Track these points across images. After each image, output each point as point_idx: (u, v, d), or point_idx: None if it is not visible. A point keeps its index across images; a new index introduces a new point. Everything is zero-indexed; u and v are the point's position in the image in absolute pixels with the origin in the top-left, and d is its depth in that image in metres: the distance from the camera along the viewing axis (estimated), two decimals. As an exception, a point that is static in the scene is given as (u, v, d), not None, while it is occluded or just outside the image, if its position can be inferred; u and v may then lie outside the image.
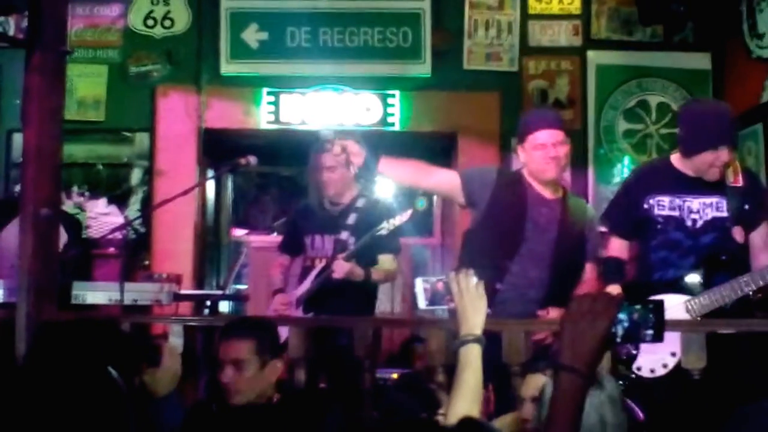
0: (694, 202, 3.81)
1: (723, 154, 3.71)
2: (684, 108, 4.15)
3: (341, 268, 4.59)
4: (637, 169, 4.35)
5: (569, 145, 4.00)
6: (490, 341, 2.50)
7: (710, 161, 3.73)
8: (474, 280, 2.50)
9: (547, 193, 3.96)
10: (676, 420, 3.36)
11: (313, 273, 4.77)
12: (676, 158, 3.94)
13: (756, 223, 3.81)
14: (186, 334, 3.58)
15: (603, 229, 4.21)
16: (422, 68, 6.78)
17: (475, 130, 6.73)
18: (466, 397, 2.31)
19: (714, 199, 3.80)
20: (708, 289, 3.67)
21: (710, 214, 3.79)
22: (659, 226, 3.85)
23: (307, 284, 4.79)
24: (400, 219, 4.58)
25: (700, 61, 6.85)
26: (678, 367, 3.35)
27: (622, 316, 1.78)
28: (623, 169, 6.78)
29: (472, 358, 2.39)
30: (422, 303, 5.72)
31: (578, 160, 6.72)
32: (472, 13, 6.84)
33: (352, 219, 4.79)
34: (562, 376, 1.74)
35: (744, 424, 1.46)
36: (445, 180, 4.12)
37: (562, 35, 6.86)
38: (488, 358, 2.46)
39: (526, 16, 6.86)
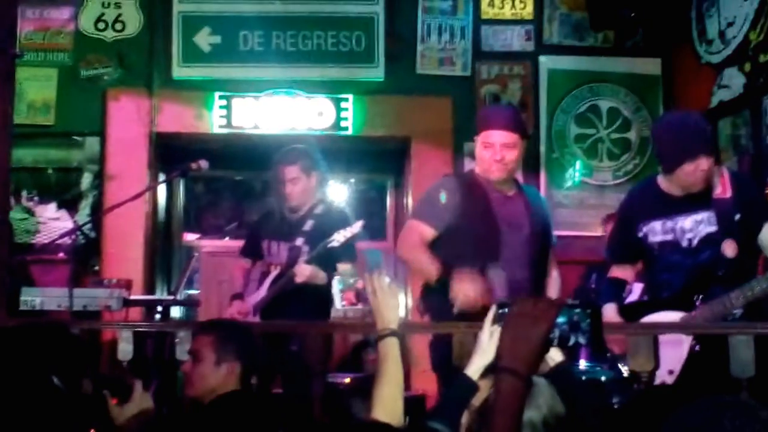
0: (686, 221, 3.75)
1: (702, 163, 3.64)
2: (655, 125, 4.16)
3: (303, 271, 4.61)
4: (627, 195, 4.29)
5: (521, 149, 3.93)
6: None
7: (691, 172, 3.65)
8: (387, 279, 2.67)
9: (506, 190, 3.96)
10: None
11: (268, 280, 4.78)
12: (661, 180, 3.88)
13: (756, 227, 3.71)
14: (136, 339, 3.55)
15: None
16: (375, 72, 6.79)
17: (428, 135, 6.74)
18: (390, 386, 2.45)
19: (705, 215, 3.72)
20: (701, 307, 3.64)
21: (704, 230, 3.72)
22: (656, 253, 3.83)
23: (263, 292, 4.79)
24: (351, 231, 4.61)
25: (651, 66, 6.94)
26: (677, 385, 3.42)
27: (561, 320, 1.80)
28: (575, 173, 6.85)
29: (390, 349, 2.54)
30: (338, 303, 5.70)
31: (530, 164, 6.77)
32: (425, 17, 6.86)
33: (308, 226, 4.82)
34: (502, 377, 1.76)
35: (686, 420, 1.48)
36: (426, 238, 3.89)
37: (515, 40, 6.90)
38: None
39: (478, 21, 6.89)
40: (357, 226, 4.63)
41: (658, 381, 3.55)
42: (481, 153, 3.90)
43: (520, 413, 1.74)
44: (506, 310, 2.40)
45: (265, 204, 5.20)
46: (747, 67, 5.69)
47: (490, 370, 2.12)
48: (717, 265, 3.68)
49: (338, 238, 4.58)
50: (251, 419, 3.07)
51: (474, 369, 2.42)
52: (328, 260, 4.71)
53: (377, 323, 2.60)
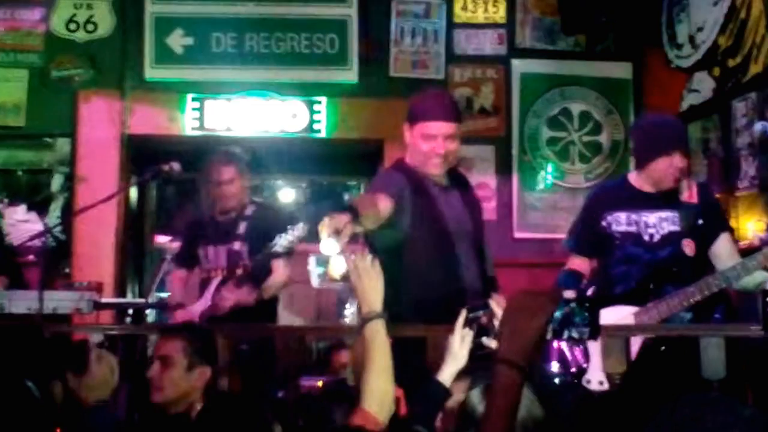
0: (651, 217, 3.84)
1: (676, 159, 3.77)
2: (635, 123, 4.21)
3: (225, 302, 4.55)
4: (594, 188, 4.36)
5: (459, 142, 3.67)
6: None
7: (664, 168, 3.78)
8: (369, 258, 2.54)
9: (442, 181, 3.68)
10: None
11: (212, 287, 4.72)
12: (632, 176, 3.99)
13: (713, 236, 3.84)
14: (107, 344, 3.53)
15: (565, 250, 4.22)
16: (349, 75, 6.79)
17: (401, 137, 6.70)
18: (380, 373, 2.35)
19: (669, 214, 3.83)
20: (657, 300, 3.71)
21: (666, 228, 3.83)
22: (617, 242, 3.88)
23: (206, 300, 4.74)
24: (294, 235, 4.43)
25: (622, 70, 7.00)
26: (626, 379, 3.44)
27: (558, 313, 1.82)
28: (547, 176, 6.89)
29: (377, 333, 2.42)
30: (315, 281, 5.64)
31: (503, 167, 6.83)
32: (398, 21, 6.88)
33: (243, 228, 4.78)
34: (500, 369, 1.78)
35: (669, 417, 1.50)
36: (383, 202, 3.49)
37: (487, 44, 6.93)
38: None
39: (451, 24, 6.92)
40: (299, 229, 4.43)
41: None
42: (419, 145, 3.58)
43: (517, 405, 1.76)
44: (478, 313, 2.41)
45: (194, 209, 5.13)
46: (716, 71, 5.76)
47: (465, 373, 2.12)
48: (675, 262, 3.77)
49: (282, 242, 4.41)
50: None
51: (446, 374, 2.43)
52: (267, 264, 4.66)
53: (362, 306, 2.50)
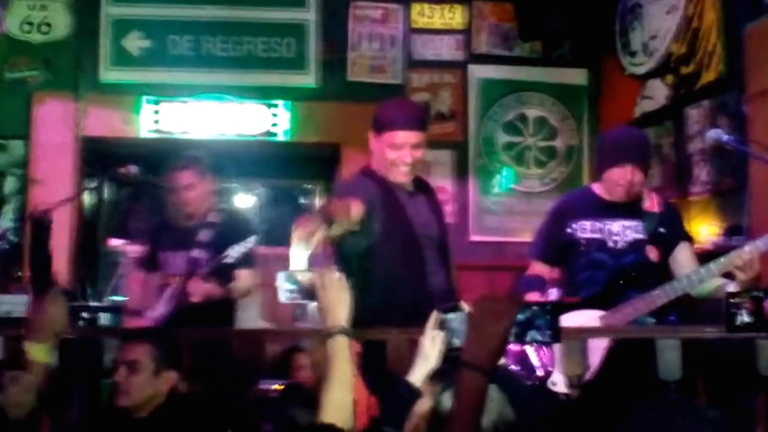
0: (615, 225, 3.91)
1: (628, 172, 3.82)
2: (602, 134, 4.27)
3: (198, 289, 4.53)
4: (562, 196, 4.40)
5: (424, 149, 3.65)
6: None
7: (615, 178, 3.84)
8: (337, 274, 2.55)
9: (409, 187, 3.68)
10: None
11: (167, 293, 4.69)
12: (596, 186, 4.06)
13: (673, 245, 3.92)
14: (61, 347, 3.48)
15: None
16: (307, 79, 6.80)
17: (359, 141, 6.71)
18: (340, 387, 2.35)
19: (633, 222, 3.90)
20: (622, 304, 3.75)
21: (630, 235, 3.89)
22: (582, 248, 3.93)
23: (162, 306, 4.70)
24: (246, 246, 4.46)
25: (577, 76, 7.09)
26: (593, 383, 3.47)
27: (521, 317, 1.85)
28: (503, 180, 6.95)
29: (340, 348, 2.42)
30: (283, 297, 5.60)
31: (460, 171, 6.88)
32: (356, 25, 6.90)
33: (205, 235, 4.72)
34: (464, 373, 1.80)
35: (635, 421, 1.52)
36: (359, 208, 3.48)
37: (445, 49, 6.98)
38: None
39: (409, 30, 6.95)
40: (250, 241, 4.48)
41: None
42: (386, 154, 3.56)
43: (481, 409, 1.77)
44: (448, 315, 2.42)
45: (157, 214, 5.09)
46: (670, 79, 5.85)
47: (437, 375, 2.13)
48: (639, 268, 3.84)
49: (232, 254, 4.45)
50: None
51: (417, 376, 2.44)
52: (225, 271, 4.63)
53: (327, 320, 2.49)
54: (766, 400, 3.83)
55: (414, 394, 2.20)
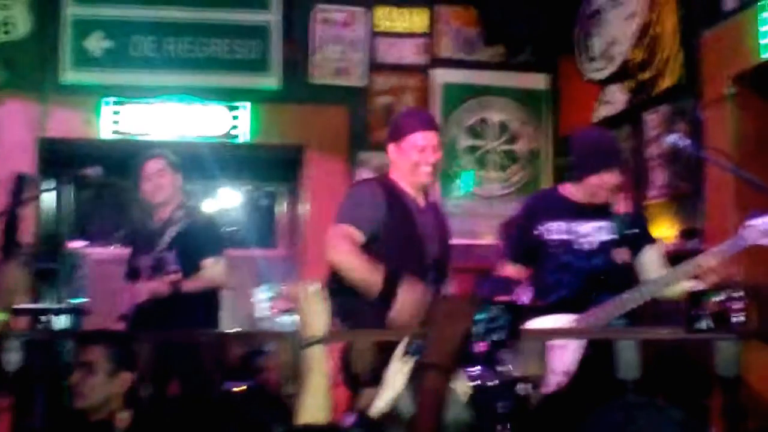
0: (584, 227, 3.94)
1: (614, 176, 3.92)
2: (573, 137, 4.29)
3: (139, 292, 4.56)
4: (528, 198, 4.45)
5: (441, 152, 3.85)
6: None
7: (602, 182, 3.92)
8: (314, 286, 2.64)
9: (420, 200, 3.81)
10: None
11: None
12: (564, 187, 4.10)
13: (640, 247, 3.98)
14: (25, 349, 3.46)
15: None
16: (270, 81, 6.80)
17: (322, 144, 6.80)
18: (316, 395, 2.43)
19: (602, 224, 3.95)
20: (594, 308, 3.79)
21: (599, 237, 3.93)
22: (551, 250, 3.95)
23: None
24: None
25: (538, 81, 7.17)
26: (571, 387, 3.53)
27: (480, 316, 1.88)
28: (464, 184, 7.00)
29: (317, 358, 2.51)
30: (260, 312, 5.60)
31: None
32: (320, 28, 6.91)
33: (170, 234, 4.74)
34: (426, 374, 1.82)
35: (601, 421, 1.57)
36: (357, 243, 3.58)
37: (408, 53, 7.02)
38: None
39: (373, 33, 6.98)
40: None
41: (554, 382, 3.67)
42: (410, 156, 3.69)
43: (443, 408, 1.80)
44: (418, 343, 2.44)
45: (127, 220, 5.10)
46: (629, 84, 5.93)
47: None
48: (608, 271, 3.88)
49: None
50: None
51: (380, 404, 2.47)
52: (191, 258, 4.65)
53: (305, 331, 2.57)
54: (722, 400, 3.91)
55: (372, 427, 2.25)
